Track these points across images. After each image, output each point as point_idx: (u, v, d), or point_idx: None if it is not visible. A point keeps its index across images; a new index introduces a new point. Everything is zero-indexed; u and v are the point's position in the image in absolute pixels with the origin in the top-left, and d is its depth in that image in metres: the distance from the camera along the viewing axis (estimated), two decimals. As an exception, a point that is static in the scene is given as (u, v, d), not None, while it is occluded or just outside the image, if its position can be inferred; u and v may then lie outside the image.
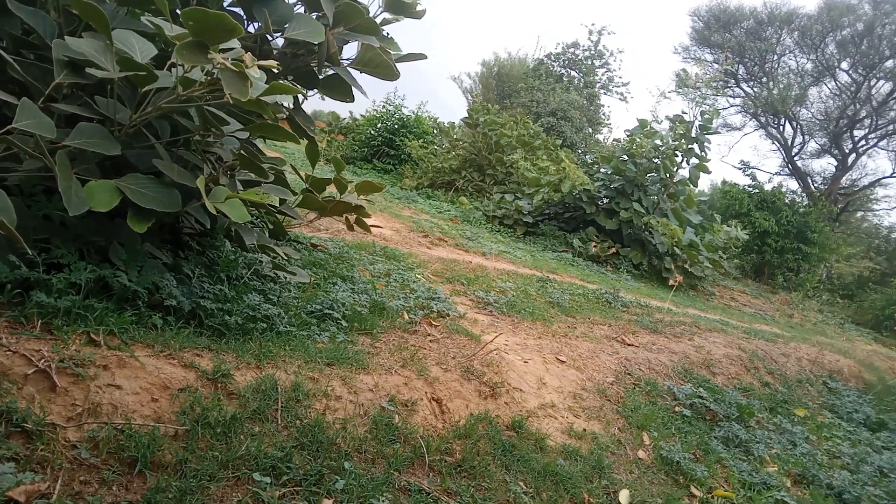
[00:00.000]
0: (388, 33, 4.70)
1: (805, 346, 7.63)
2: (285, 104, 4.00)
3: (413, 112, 19.06)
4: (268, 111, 2.92)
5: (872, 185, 23.74)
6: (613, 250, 11.52)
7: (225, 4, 4.15)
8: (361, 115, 20.76)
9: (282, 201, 4.63)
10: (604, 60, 33.09)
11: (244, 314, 3.28)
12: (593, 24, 32.81)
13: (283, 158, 4.63)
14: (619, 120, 49.29)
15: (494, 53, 36.34)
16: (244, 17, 4.01)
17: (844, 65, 21.54)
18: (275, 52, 4.16)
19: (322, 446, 2.46)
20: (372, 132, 18.56)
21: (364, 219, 5.39)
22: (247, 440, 2.31)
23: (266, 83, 2.95)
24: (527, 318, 5.52)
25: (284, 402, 2.60)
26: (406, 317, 4.46)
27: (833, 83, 22.10)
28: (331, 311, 3.91)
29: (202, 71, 2.85)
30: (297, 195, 4.86)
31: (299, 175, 5.17)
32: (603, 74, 33.24)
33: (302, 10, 4.11)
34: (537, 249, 11.07)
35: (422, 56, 4.71)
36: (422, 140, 17.65)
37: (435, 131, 18.90)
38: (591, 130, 28.24)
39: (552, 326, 5.43)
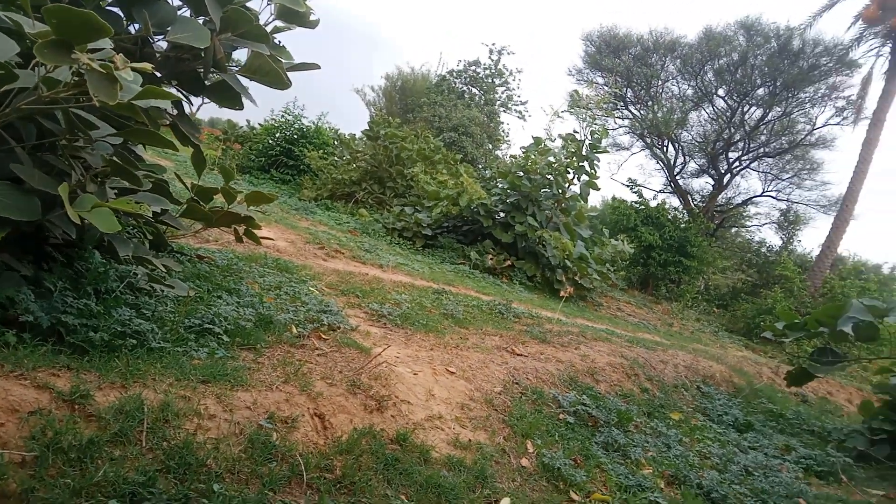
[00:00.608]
0: (279, 41, 4.62)
1: (682, 354, 8.14)
2: (168, 109, 3.83)
3: (313, 123, 18.78)
4: (140, 116, 2.78)
5: (745, 203, 25.85)
6: (509, 263, 11.83)
7: (106, 4, 3.91)
8: (259, 124, 20.22)
9: (164, 211, 4.41)
10: (503, 79, 34.10)
11: (112, 330, 3.09)
12: (493, 44, 33.78)
13: (163, 166, 4.42)
14: (517, 137, 50.79)
15: (398, 67, 36.55)
16: (123, 18, 3.81)
17: (721, 91, 23.38)
18: (158, 55, 3.98)
19: (190, 468, 2.35)
20: (270, 142, 18.11)
21: (254, 230, 5.24)
22: (105, 465, 2.17)
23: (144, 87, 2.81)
24: (420, 330, 5.55)
25: (151, 423, 2.46)
26: (294, 330, 4.36)
27: (711, 108, 23.94)
28: (211, 326, 3.75)
29: (70, 71, 2.68)
30: (182, 204, 4.65)
31: (184, 184, 4.95)
32: (503, 93, 34.24)
33: (188, 13, 3.97)
34: (435, 262, 11.18)
35: (315, 66, 4.66)
36: (322, 151, 17.42)
37: (336, 143, 18.71)
38: (490, 146, 28.95)
39: (445, 338, 5.49)
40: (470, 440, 3.62)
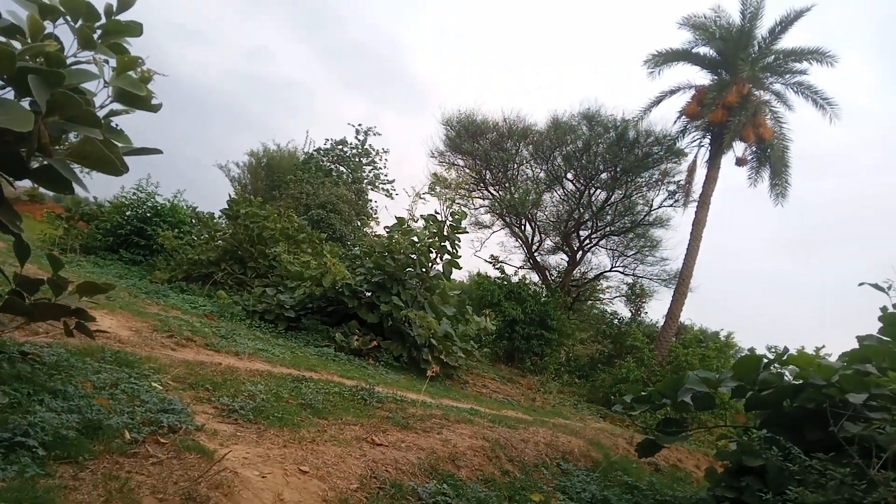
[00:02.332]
0: (116, 125, 4.39)
1: (542, 430, 8.33)
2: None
3: (168, 200, 17.92)
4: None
5: (597, 277, 27.72)
6: (375, 343, 11.69)
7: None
8: (109, 201, 18.96)
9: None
10: (370, 158, 34.88)
11: None
12: (360, 125, 34.65)
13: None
14: (388, 213, 51.58)
15: (263, 144, 36.24)
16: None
17: (570, 175, 25.33)
18: (-25, 136, 3.64)
19: None
20: (119, 220, 16.98)
21: (87, 322, 4.80)
22: None
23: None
24: (274, 425, 5.25)
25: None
26: (128, 436, 3.95)
27: (562, 190, 25.83)
28: (24, 439, 3.30)
29: None
30: (1, 297, 4.17)
31: (4, 274, 4.45)
32: (370, 171, 34.93)
33: (11, 94, 3.69)
34: (299, 345, 10.79)
35: (156, 151, 4.47)
36: (177, 230, 16.58)
37: (193, 221, 17.91)
38: (359, 223, 29.13)
39: (301, 432, 5.22)
40: (321, 548, 3.41)
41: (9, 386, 4.13)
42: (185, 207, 18.60)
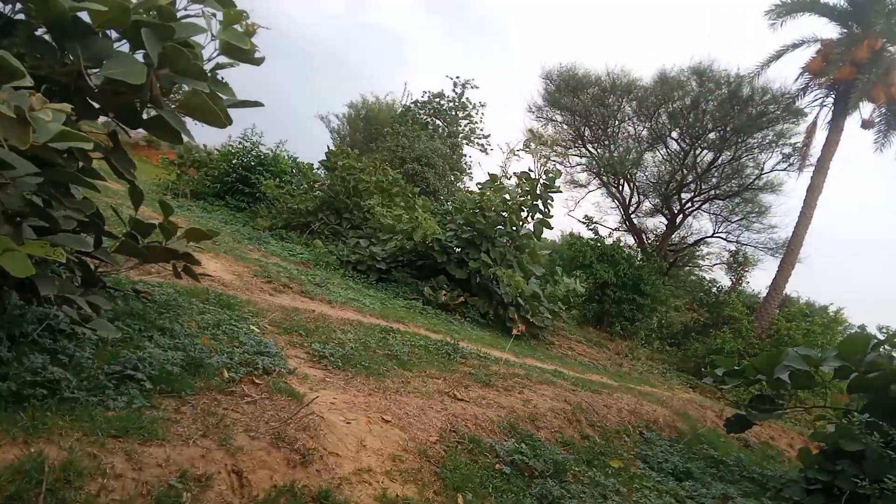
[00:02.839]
0: (222, 77, 4.56)
1: (627, 397, 8.18)
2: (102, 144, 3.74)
3: (271, 150, 18.62)
4: (56, 158, 2.68)
5: (697, 243, 26.44)
6: (462, 299, 11.81)
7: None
8: (217, 150, 19.95)
9: (98, 245, 4.26)
10: (467, 112, 34.59)
11: (21, 379, 2.93)
12: (458, 77, 34.29)
13: (92, 203, 4.24)
14: (480, 170, 51.26)
15: (362, 96, 36.66)
16: (57, 49, 3.72)
17: (675, 134, 24.02)
18: (95, 87, 3.89)
19: (86, 536, 2.22)
20: (226, 167, 17.86)
21: (194, 266, 5.10)
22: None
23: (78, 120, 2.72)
24: (361, 373, 5.45)
25: (50, 484, 2.32)
26: (226, 375, 4.22)
27: (665, 150, 24.55)
28: (133, 372, 3.60)
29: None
30: (116, 240, 4.50)
31: (121, 218, 4.80)
32: (466, 125, 34.69)
33: (127, 47, 3.89)
34: (388, 297, 11.08)
35: (258, 104, 4.59)
36: (279, 179, 17.25)
37: (294, 171, 18.57)
38: (453, 178, 29.18)
39: (385, 381, 5.39)
40: (398, 496, 3.53)
41: (122, 322, 4.50)
42: (286, 157, 19.28)
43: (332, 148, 17.52)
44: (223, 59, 4.37)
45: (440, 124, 33.96)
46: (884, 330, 17.15)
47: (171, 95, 4.17)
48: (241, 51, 4.30)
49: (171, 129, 4.00)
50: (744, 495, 6.00)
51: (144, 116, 4.03)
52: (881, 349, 6.82)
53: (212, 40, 4.22)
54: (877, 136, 20.93)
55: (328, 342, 6.08)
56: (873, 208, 58.66)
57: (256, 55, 4.49)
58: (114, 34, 3.85)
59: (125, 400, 3.25)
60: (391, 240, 12.81)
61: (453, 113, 34.63)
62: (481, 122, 34.78)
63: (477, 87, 34.34)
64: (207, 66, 4.23)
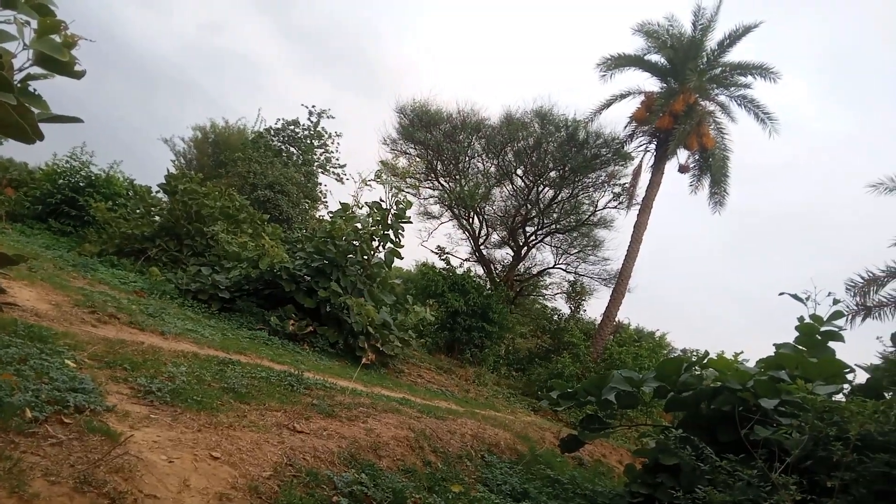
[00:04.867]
0: (34, 90, 4.19)
1: (471, 422, 8.42)
2: None
3: (104, 170, 17.22)
4: None
5: (540, 273, 28.13)
6: (311, 329, 11.56)
7: None
8: (40, 168, 18.10)
9: None
10: (322, 141, 34.27)
11: None
12: (314, 106, 33.97)
13: None
14: (338, 198, 50.86)
15: (210, 120, 35.12)
16: None
17: (520, 171, 25.57)
18: None
19: None
20: (50, 188, 16.23)
21: (-6, 295, 4.57)
22: None
23: None
24: (192, 408, 5.13)
25: None
26: (29, 414, 3.78)
27: (511, 186, 26.04)
28: None
29: None
30: None
31: None
32: (321, 154, 34.33)
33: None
34: (231, 327, 10.58)
35: (77, 119, 4.25)
36: (112, 202, 15.95)
37: (129, 194, 17.28)
38: (307, 206, 28.66)
39: (218, 416, 5.12)
40: (222, 535, 3.35)
41: None
42: (121, 179, 17.92)
43: (172, 171, 16.56)
44: (37, 70, 4.04)
45: (295, 152, 33.32)
46: (693, 353, 19.20)
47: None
48: (57, 62, 3.99)
49: (-32, 142, 3.62)
50: (575, 511, 6.36)
51: (-65, 127, 3.61)
52: (692, 370, 7.60)
53: (24, 49, 3.89)
54: (691, 180, 23.72)
55: (156, 376, 5.66)
56: (694, 243, 65.94)
57: (77, 68, 4.20)
58: None
59: None
60: (236, 267, 12.29)
61: (308, 141, 34.15)
62: (337, 151, 34.60)
63: (333, 118, 34.18)
64: (18, 77, 3.88)
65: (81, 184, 16.41)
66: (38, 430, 3.59)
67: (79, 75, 4.36)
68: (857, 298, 15.19)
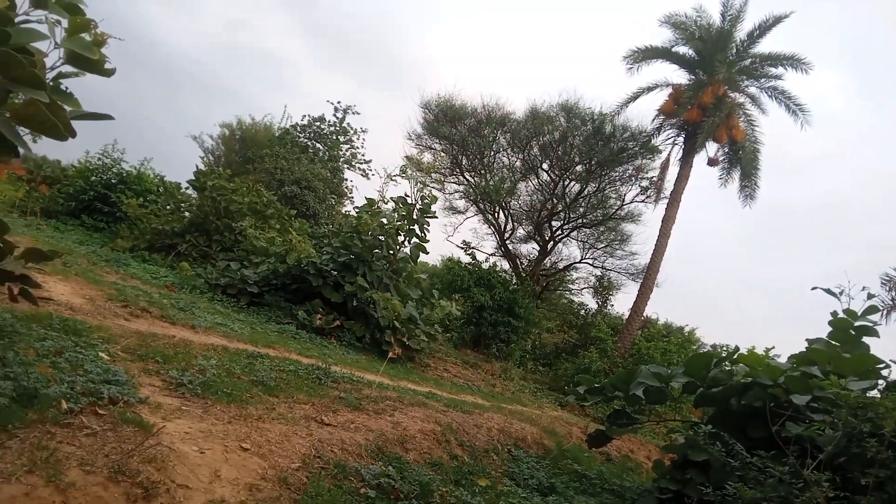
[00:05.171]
0: (66, 87, 4.27)
1: (497, 416, 8.41)
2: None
3: (135, 168, 17.54)
4: None
5: (567, 268, 27.93)
6: (338, 323, 11.65)
7: None
8: (74, 165, 18.50)
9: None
10: (348, 137, 34.44)
11: None
12: (339, 102, 34.13)
13: None
14: (362, 193, 51.09)
15: (237, 117, 35.52)
16: None
17: (545, 165, 25.37)
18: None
19: None
20: (83, 185, 16.58)
21: (33, 289, 4.68)
22: None
23: None
24: (222, 400, 5.21)
25: None
26: (64, 405, 3.88)
27: (536, 180, 25.86)
28: (-50, 406, 3.23)
29: None
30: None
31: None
32: (347, 150, 34.50)
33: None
34: (260, 321, 10.71)
35: (107, 116, 4.35)
36: (143, 199, 16.25)
37: (160, 190, 17.58)
38: (333, 202, 28.83)
39: (248, 408, 5.19)
40: (252, 526, 3.40)
41: (-54, 351, 4.04)
42: (152, 176, 18.25)
43: (201, 167, 16.81)
44: (68, 69, 4.11)
45: (321, 148, 33.54)
46: (723, 348, 18.93)
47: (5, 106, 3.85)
48: (88, 60, 4.06)
49: (3, 141, 3.70)
50: (602, 506, 6.32)
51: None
52: (722, 366, 7.49)
53: (55, 48, 3.96)
54: (721, 173, 23.26)
55: (187, 369, 5.76)
56: (723, 237, 64.91)
57: (107, 66, 4.26)
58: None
59: (-64, 437, 2.91)
60: (264, 262, 12.43)
61: (334, 137, 34.35)
62: (362, 147, 34.75)
63: (358, 113, 34.26)
64: (50, 75, 3.96)
65: (113, 181, 16.75)
66: (73, 421, 3.68)
67: (109, 73, 4.44)
68: (893, 293, 14.81)
